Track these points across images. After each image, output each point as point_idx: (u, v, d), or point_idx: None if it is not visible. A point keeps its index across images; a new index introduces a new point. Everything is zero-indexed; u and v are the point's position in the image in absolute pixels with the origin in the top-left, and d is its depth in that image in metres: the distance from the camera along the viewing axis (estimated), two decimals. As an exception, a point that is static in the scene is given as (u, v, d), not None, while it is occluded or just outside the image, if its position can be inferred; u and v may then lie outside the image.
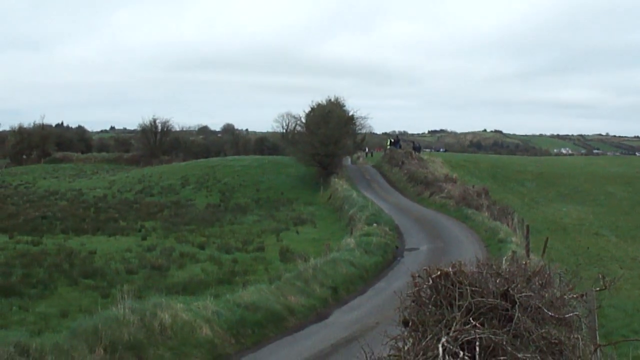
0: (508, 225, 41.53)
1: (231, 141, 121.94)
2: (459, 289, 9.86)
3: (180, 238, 41.33)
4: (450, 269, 10.22)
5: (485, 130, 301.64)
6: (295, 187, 69.74)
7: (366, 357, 9.45)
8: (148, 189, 73.65)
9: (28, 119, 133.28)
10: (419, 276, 10.64)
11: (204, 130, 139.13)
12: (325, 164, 68.77)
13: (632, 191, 75.20)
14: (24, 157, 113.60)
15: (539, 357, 9.56)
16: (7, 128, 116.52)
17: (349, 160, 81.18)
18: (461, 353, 8.87)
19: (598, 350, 12.82)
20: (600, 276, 14.63)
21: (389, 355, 9.63)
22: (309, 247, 35.05)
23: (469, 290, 9.80)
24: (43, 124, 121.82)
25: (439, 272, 10.20)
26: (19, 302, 23.17)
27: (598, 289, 14.38)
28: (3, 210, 49.06)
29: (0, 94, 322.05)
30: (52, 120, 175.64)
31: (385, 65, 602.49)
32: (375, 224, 39.73)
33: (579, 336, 11.31)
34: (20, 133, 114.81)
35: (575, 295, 12.03)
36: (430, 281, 10.12)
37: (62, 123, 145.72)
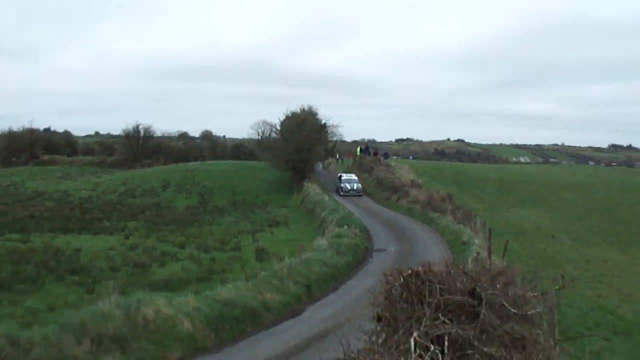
0: (471, 228, 41.72)
1: (209, 147, 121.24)
2: (428, 286, 9.91)
3: (161, 238, 41.17)
4: (420, 268, 10.26)
5: (449, 139, 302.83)
6: (270, 190, 69.65)
7: (343, 349, 9.45)
8: (131, 191, 73.23)
9: (17, 124, 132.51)
10: (390, 275, 10.66)
11: (183, 136, 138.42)
12: (299, 169, 68.58)
13: (585, 198, 75.84)
14: (13, 159, 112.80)
15: (503, 352, 9.62)
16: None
17: (321, 166, 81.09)
18: (431, 347, 8.91)
19: (557, 345, 12.91)
20: (560, 276, 14.75)
21: (364, 349, 9.66)
22: (283, 248, 35.01)
23: (438, 288, 9.85)
24: (31, 128, 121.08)
25: (410, 271, 10.24)
26: (8, 297, 23.04)
27: (557, 288, 14.50)
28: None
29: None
30: (40, 124, 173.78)
31: (354, 78, 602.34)
32: (345, 226, 39.76)
33: (540, 332, 11.39)
34: (10, 137, 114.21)
35: (536, 294, 12.08)
36: (402, 279, 10.15)
37: (49, 128, 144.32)
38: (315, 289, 26.17)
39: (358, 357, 9.34)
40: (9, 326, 16.93)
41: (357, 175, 77.39)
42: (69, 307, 20.20)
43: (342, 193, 66.09)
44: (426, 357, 8.73)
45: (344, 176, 71.73)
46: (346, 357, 9.37)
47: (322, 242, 34.41)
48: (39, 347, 15.06)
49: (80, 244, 36.22)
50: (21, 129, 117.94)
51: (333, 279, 28.48)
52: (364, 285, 24.95)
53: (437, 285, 9.91)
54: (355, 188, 66.99)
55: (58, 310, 20.73)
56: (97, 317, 16.79)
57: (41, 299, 23.26)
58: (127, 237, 40.99)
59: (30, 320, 19.46)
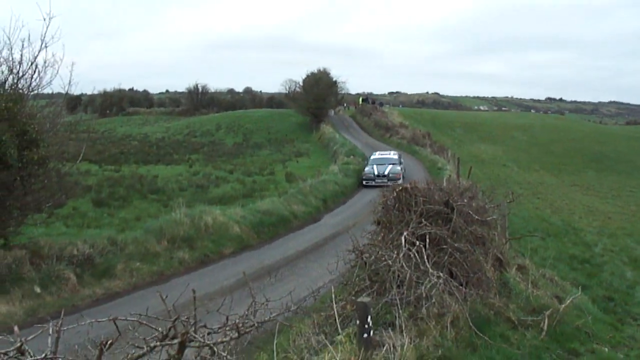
0: (444, 158, 41.68)
1: (250, 99, 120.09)
2: (414, 199, 9.97)
3: (216, 166, 41.21)
4: (408, 185, 10.30)
5: (427, 92, 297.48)
6: (295, 130, 69.32)
7: (352, 243, 9.53)
8: (193, 133, 73.10)
9: (109, 86, 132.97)
10: (386, 190, 10.73)
11: (231, 91, 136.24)
12: (317, 115, 68.57)
13: (529, 136, 75.26)
14: (108, 111, 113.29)
15: (469, 246, 9.71)
16: (96, 92, 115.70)
17: (332, 112, 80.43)
18: (417, 242, 8.99)
19: (507, 242, 12.99)
20: (510, 192, 14.70)
21: (367, 244, 9.75)
22: (306, 172, 35.02)
23: (421, 200, 9.93)
24: (120, 89, 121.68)
25: (400, 188, 10.29)
26: (107, 211, 23.25)
27: (508, 201, 14.48)
28: (94, 148, 48.48)
29: (90, 70, 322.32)
30: (125, 85, 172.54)
31: (357, 46, 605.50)
32: (352, 156, 39.85)
33: (496, 233, 11.51)
34: (105, 95, 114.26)
35: (492, 205, 12.15)
36: (395, 194, 10.22)
37: (132, 88, 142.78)
38: (330, 202, 26.39)
39: (363, 250, 9.44)
40: (109, 231, 17.21)
41: (360, 118, 76.54)
42: (150, 217, 20.38)
43: (364, 182, 32.80)
44: (413, 250, 8.82)
45: (377, 155, 37.29)
46: (355, 250, 9.47)
47: (334, 167, 34.53)
48: (131, 245, 15.32)
49: (157, 172, 36.39)
50: (112, 89, 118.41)
51: (342, 194, 28.66)
52: (365, 199, 25.03)
53: (421, 198, 9.98)
54: (386, 173, 32.48)
55: (143, 219, 20.91)
56: (171, 223, 17.04)
57: (130, 211, 23.47)
58: (190, 166, 41.10)
59: (124, 226, 19.68)
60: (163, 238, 16.34)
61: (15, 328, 4.11)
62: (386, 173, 32.40)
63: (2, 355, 3.92)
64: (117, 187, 29.34)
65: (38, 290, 12.53)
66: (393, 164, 34.04)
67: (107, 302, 12.98)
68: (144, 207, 24.62)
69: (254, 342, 6.75)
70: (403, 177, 32.40)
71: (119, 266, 14.39)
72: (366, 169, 34.13)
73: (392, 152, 37.91)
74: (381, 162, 34.30)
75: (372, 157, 36.52)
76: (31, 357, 3.97)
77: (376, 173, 32.81)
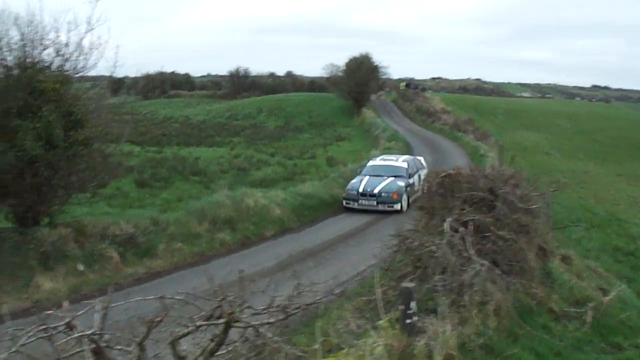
0: (486, 144, 41.23)
1: (291, 82, 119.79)
2: (458, 185, 9.89)
3: (257, 149, 41.35)
4: (452, 171, 10.23)
5: (469, 78, 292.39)
6: (337, 115, 69.07)
7: (396, 228, 9.50)
8: (234, 116, 73.41)
9: (152, 68, 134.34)
10: (430, 176, 10.67)
11: (272, 75, 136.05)
12: (358, 99, 68.28)
13: (572, 124, 74.12)
14: (150, 94, 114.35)
15: (513, 235, 9.60)
16: (139, 75, 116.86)
17: (374, 96, 79.92)
18: (460, 229, 8.91)
19: (551, 232, 12.80)
20: (555, 181, 14.47)
21: (411, 229, 9.72)
22: (347, 156, 34.93)
23: (465, 187, 9.89)
24: (162, 72, 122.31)
25: (444, 173, 10.24)
26: (149, 192, 23.58)
27: (552, 190, 14.26)
28: (137, 130, 48.95)
29: (135, 52, 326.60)
30: (168, 68, 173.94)
31: (399, 31, 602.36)
32: (393, 141, 39.64)
33: (539, 222, 11.31)
34: (147, 78, 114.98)
35: (537, 194, 11.99)
36: (439, 179, 10.13)
37: (174, 71, 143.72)
38: (371, 187, 26.23)
39: (407, 235, 9.41)
40: (151, 211, 17.47)
41: (401, 103, 75.98)
42: (192, 198, 20.55)
43: (344, 203, 21.07)
44: (457, 236, 8.75)
45: (377, 160, 24.47)
46: (398, 235, 9.44)
47: (375, 152, 34.29)
48: (173, 226, 15.51)
49: (199, 154, 36.68)
50: (155, 72, 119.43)
51: (384, 180, 28.48)
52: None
53: (465, 184, 9.93)
54: (376, 192, 20.52)
55: (185, 200, 21.08)
56: (213, 205, 17.19)
57: (172, 192, 23.73)
58: (232, 149, 41.29)
59: (166, 207, 19.90)
60: (205, 219, 16.47)
61: (65, 303, 4.19)
62: (376, 192, 20.70)
63: (52, 330, 4.00)
64: (159, 169, 29.70)
65: (81, 268, 12.77)
66: (396, 176, 21.85)
67: (149, 281, 13.16)
68: (185, 189, 24.89)
69: (292, 324, 6.77)
70: (409, 202, 20.63)
71: (160, 246, 14.57)
72: (352, 181, 22.15)
73: (401, 159, 24.48)
74: (378, 173, 22.28)
75: (369, 164, 24.19)
76: (79, 332, 4.03)
77: (361, 190, 20.98)
